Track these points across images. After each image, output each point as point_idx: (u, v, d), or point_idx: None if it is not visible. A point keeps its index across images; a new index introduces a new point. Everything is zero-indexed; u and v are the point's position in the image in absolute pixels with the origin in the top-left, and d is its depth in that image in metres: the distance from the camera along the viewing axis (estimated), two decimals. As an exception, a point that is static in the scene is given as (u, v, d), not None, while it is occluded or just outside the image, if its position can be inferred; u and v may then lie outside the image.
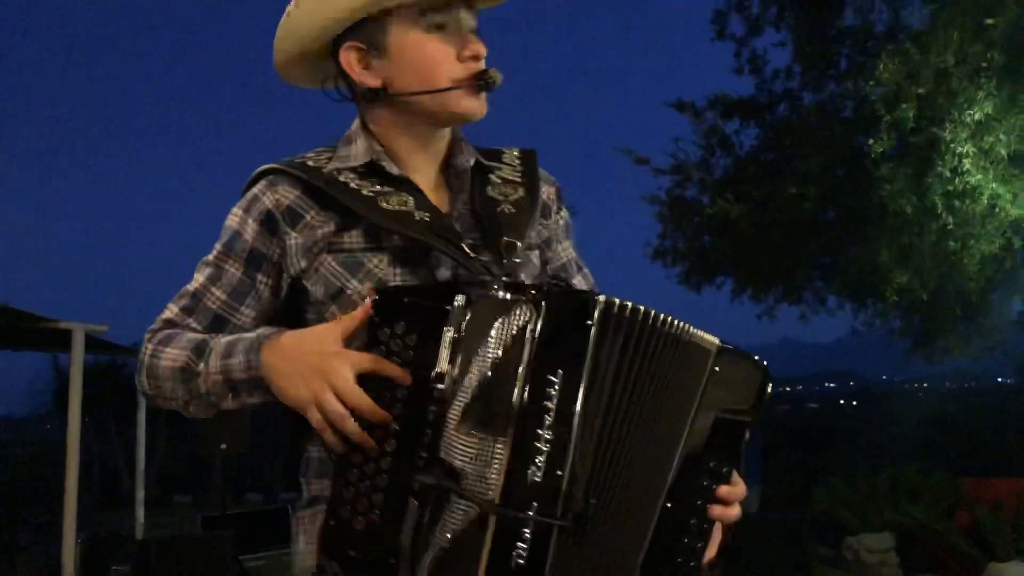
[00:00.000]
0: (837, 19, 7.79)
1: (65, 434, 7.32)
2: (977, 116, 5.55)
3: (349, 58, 1.37)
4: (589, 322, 1.11)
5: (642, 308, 1.15)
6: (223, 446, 8.84)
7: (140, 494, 9.35)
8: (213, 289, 1.38)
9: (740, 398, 1.28)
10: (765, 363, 1.29)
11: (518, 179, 1.50)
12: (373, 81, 1.37)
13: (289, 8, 1.38)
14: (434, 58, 1.34)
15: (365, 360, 1.17)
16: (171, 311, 1.39)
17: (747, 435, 1.28)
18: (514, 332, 1.11)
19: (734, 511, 1.28)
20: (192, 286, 1.40)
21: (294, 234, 1.34)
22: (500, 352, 1.11)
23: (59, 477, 7.41)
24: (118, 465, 16.13)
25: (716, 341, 1.23)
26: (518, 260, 1.38)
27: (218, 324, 1.37)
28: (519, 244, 1.39)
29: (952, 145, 5.66)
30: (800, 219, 7.62)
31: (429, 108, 1.37)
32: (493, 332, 1.12)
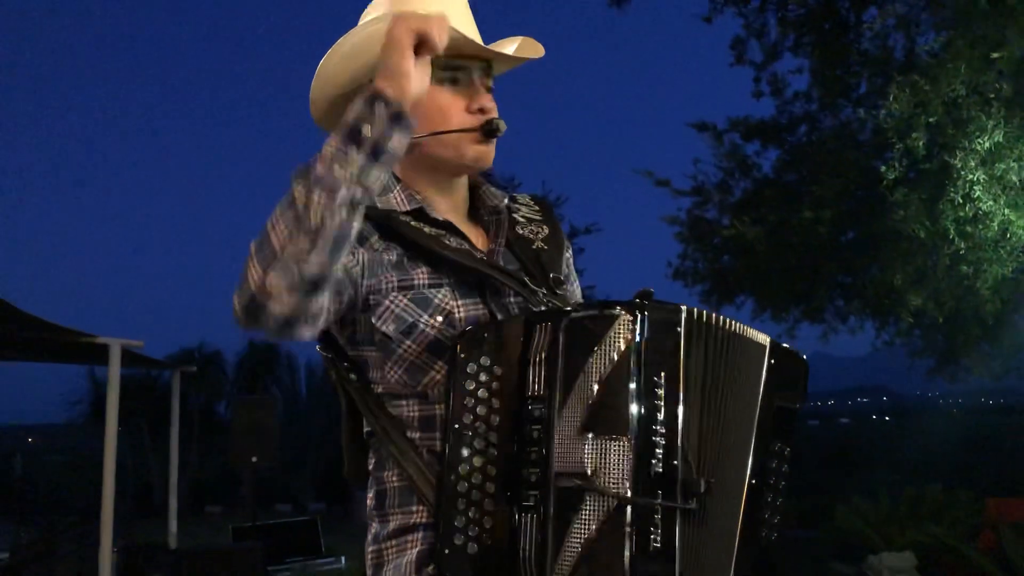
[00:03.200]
0: (854, 45, 7.85)
1: (100, 443, 7.51)
2: (987, 144, 5.63)
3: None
4: (679, 328, 1.26)
5: (712, 314, 1.31)
6: (254, 459, 9.02)
7: (173, 505, 9.52)
8: None
9: (790, 387, 1.46)
10: (805, 356, 1.50)
11: (539, 218, 1.61)
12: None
13: (323, 60, 1.45)
14: (443, 107, 1.43)
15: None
16: None
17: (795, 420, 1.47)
18: (621, 345, 1.22)
19: None
20: None
21: (361, 250, 1.37)
22: (611, 363, 1.22)
23: (95, 485, 7.61)
24: (151, 476, 16.42)
25: (768, 338, 1.40)
26: (564, 292, 1.50)
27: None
28: (562, 278, 1.52)
29: (963, 172, 5.75)
30: (815, 242, 7.69)
31: (441, 155, 1.45)
32: (600, 346, 1.23)
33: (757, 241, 7.72)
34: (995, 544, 7.33)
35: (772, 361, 1.40)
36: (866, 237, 7.79)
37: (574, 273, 1.66)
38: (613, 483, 1.21)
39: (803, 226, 7.51)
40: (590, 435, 1.22)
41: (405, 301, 1.37)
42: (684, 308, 1.28)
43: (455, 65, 1.44)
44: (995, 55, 5.38)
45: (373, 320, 1.37)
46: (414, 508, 1.37)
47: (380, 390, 1.41)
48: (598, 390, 1.22)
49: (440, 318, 1.36)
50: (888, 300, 7.79)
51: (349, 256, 1.30)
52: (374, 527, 1.43)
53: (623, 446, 1.21)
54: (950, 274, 6.69)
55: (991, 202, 5.75)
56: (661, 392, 1.24)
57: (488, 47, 1.45)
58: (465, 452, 1.28)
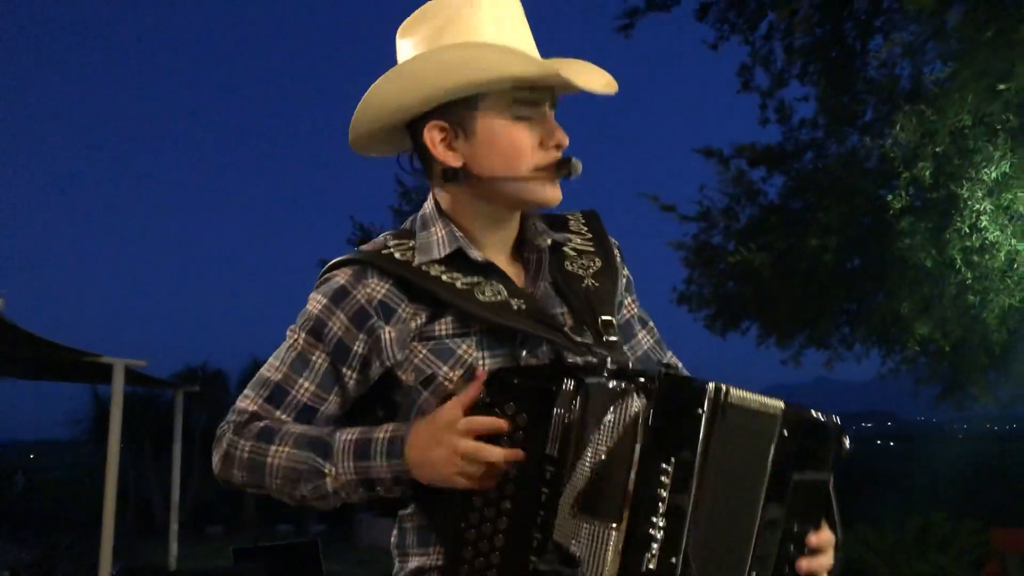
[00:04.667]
0: (860, 73, 7.87)
1: (102, 461, 7.48)
2: (994, 175, 5.64)
3: (433, 137, 1.39)
4: (700, 411, 1.12)
5: (744, 393, 1.16)
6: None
7: (174, 526, 9.48)
8: (300, 380, 1.38)
9: (816, 457, 1.27)
10: (836, 419, 1.29)
11: (591, 248, 1.53)
12: (455, 161, 1.39)
13: (379, 81, 1.37)
14: (520, 146, 1.37)
15: (476, 423, 1.23)
16: (253, 403, 1.40)
17: (829, 491, 1.29)
18: (627, 421, 1.12)
19: (822, 565, 1.28)
20: (275, 376, 1.40)
21: (388, 328, 1.36)
22: (613, 440, 1.12)
23: (96, 502, 7.59)
24: (153, 495, 16.38)
25: (780, 404, 1.21)
26: (615, 338, 1.40)
27: (307, 413, 1.39)
28: (614, 320, 1.42)
29: (970, 202, 5.75)
30: (821, 269, 7.67)
31: (508, 193, 1.39)
32: (606, 420, 1.13)
33: (763, 267, 7.70)
34: (1001, 575, 7.25)
35: (785, 432, 1.21)
36: (872, 265, 7.78)
37: (626, 295, 1.58)
38: (595, 574, 1.10)
39: (809, 253, 7.49)
40: (583, 515, 1.13)
41: (424, 352, 1.35)
42: (711, 386, 1.12)
43: (531, 99, 1.38)
44: (1002, 87, 5.39)
45: (397, 371, 1.37)
46: (431, 549, 1.35)
47: None
48: (599, 468, 1.13)
49: (460, 371, 1.33)
50: (894, 328, 7.77)
51: (346, 369, 1.39)
52: (396, 565, 1.43)
53: (613, 534, 1.11)
54: (957, 303, 6.68)
55: (998, 232, 5.75)
56: (667, 480, 1.10)
57: (572, 79, 1.36)
58: (478, 501, 1.24)
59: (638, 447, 1.11)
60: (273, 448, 1.33)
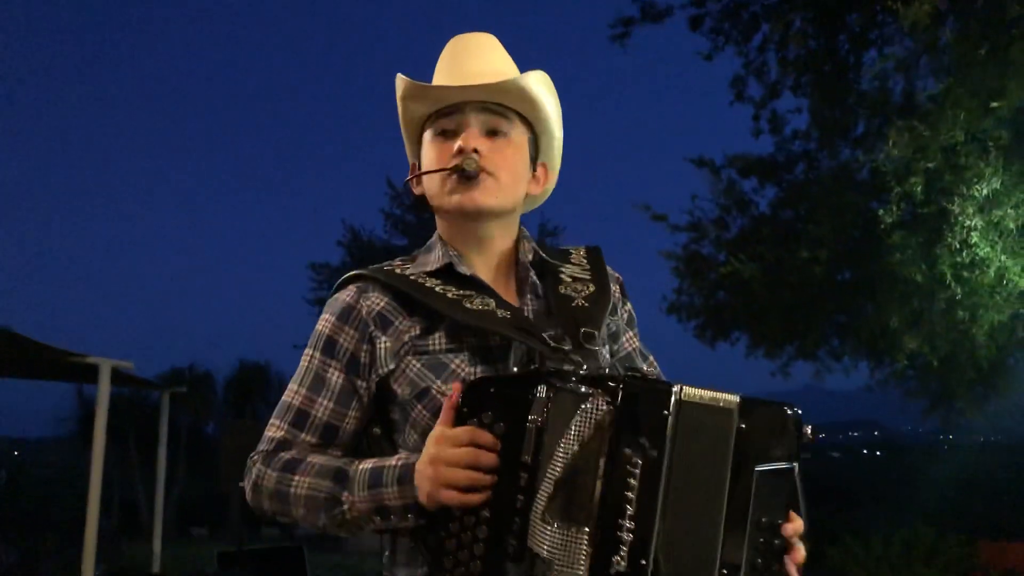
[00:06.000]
0: (854, 86, 7.89)
1: (87, 460, 7.41)
2: (985, 191, 5.67)
3: (411, 170, 1.57)
4: (666, 412, 1.13)
5: (712, 393, 1.17)
6: (242, 484, 8.91)
7: (159, 528, 9.42)
8: (319, 399, 1.43)
9: (777, 446, 1.23)
10: (796, 407, 1.24)
11: (587, 276, 1.57)
12: (419, 190, 1.53)
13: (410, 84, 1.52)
14: (431, 160, 1.48)
15: (460, 435, 1.25)
16: (280, 429, 1.44)
17: (795, 478, 1.24)
18: (592, 425, 1.14)
19: (798, 557, 1.25)
20: (296, 400, 1.44)
21: (384, 338, 1.41)
22: (579, 444, 1.14)
23: (80, 504, 7.52)
24: (137, 496, 16.30)
25: (735, 399, 1.19)
26: (596, 348, 1.43)
27: (330, 432, 1.43)
28: (597, 334, 1.44)
29: (960, 218, 5.78)
30: (811, 282, 7.69)
31: (438, 207, 1.49)
32: (573, 425, 1.15)
33: (753, 278, 7.72)
34: (986, 589, 7.28)
35: (743, 425, 1.18)
36: (863, 278, 7.81)
37: (627, 329, 1.61)
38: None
39: (799, 265, 7.51)
40: (554, 520, 1.15)
41: (419, 366, 1.39)
42: (677, 389, 1.15)
43: (445, 112, 1.48)
44: (994, 104, 5.40)
45: (392, 384, 1.41)
46: (415, 569, 1.37)
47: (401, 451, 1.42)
48: (568, 473, 1.15)
49: (453, 383, 1.33)
50: (883, 341, 7.79)
51: (360, 381, 1.43)
52: None
53: (582, 537, 1.13)
54: (946, 318, 6.71)
55: (988, 248, 5.78)
56: (634, 482, 1.12)
57: (454, 84, 1.47)
58: (458, 510, 1.25)
59: (603, 451, 1.14)
60: (296, 478, 1.37)
